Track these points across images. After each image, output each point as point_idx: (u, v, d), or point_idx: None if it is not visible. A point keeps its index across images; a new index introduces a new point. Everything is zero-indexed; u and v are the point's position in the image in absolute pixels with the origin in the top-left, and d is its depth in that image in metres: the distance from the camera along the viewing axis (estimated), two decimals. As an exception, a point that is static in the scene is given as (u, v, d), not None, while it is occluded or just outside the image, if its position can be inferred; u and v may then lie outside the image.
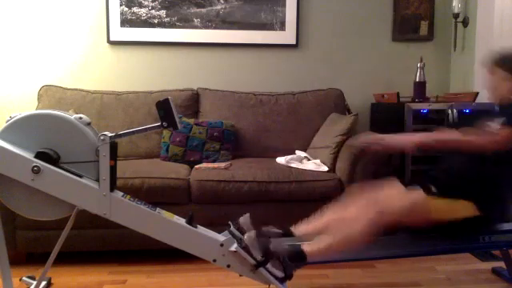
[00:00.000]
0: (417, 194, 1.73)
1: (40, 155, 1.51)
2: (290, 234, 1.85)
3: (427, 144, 1.72)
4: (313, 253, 1.63)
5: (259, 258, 1.57)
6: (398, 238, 1.87)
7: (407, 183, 1.83)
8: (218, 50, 3.20)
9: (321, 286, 2.03)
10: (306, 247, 1.63)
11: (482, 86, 1.86)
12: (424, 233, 1.79)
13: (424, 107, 2.76)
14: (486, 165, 1.72)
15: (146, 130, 1.60)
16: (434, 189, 1.75)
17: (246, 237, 1.59)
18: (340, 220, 1.73)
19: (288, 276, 1.62)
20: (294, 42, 3.21)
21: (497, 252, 2.23)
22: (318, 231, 1.77)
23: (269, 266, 1.58)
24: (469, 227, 1.72)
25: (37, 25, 3.05)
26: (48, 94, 2.87)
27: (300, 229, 1.88)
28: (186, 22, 3.13)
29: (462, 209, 1.70)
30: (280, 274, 1.60)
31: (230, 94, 3.01)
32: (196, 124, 2.75)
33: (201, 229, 1.66)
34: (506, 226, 1.93)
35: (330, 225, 1.74)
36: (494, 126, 1.67)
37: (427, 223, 1.69)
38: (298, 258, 1.61)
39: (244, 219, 1.73)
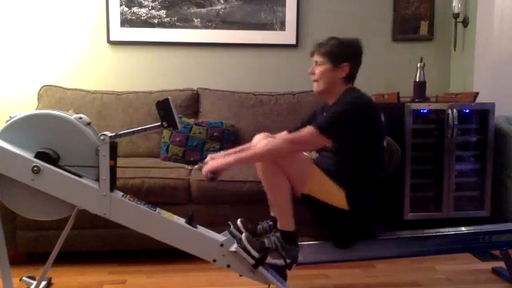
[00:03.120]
0: (307, 156, 1.74)
1: (40, 155, 1.52)
2: None
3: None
4: (285, 221, 1.65)
5: (257, 255, 1.58)
6: (398, 238, 1.87)
7: None
8: (218, 50, 3.20)
9: (321, 286, 2.03)
10: (279, 224, 1.67)
11: (315, 77, 1.83)
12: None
13: (424, 107, 2.75)
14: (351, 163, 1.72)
15: (145, 129, 1.60)
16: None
17: (242, 237, 1.61)
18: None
19: (294, 261, 1.63)
20: (294, 42, 3.21)
21: (497, 252, 2.23)
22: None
23: (268, 258, 1.60)
24: (337, 219, 1.71)
25: (37, 25, 3.04)
26: (48, 94, 2.87)
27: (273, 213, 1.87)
28: (186, 22, 3.13)
29: (334, 197, 1.67)
30: (281, 262, 1.61)
31: (230, 94, 3.01)
32: (196, 124, 2.75)
33: (201, 229, 1.66)
34: (506, 226, 1.93)
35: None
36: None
37: (299, 189, 1.67)
38: (288, 238, 1.63)
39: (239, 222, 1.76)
